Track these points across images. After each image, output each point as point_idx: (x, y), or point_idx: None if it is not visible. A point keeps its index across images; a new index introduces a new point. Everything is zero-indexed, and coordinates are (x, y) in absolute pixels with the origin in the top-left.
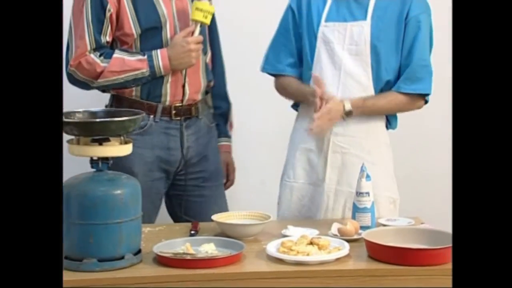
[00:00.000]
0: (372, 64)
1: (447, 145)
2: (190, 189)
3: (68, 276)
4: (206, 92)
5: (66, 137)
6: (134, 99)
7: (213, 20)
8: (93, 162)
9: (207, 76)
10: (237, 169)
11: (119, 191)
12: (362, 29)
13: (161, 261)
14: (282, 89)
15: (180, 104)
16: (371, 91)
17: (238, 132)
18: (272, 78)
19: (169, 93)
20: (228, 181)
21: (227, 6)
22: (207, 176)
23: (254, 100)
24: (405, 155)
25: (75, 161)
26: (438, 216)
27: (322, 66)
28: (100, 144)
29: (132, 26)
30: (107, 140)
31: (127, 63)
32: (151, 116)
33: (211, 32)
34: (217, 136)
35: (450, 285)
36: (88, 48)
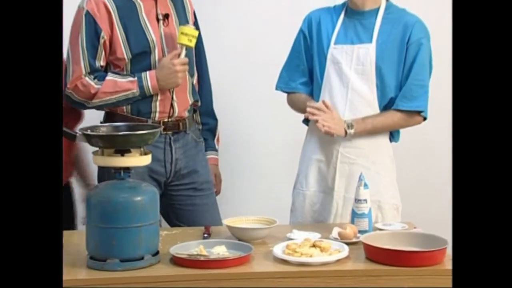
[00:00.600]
0: (377, 83)
1: (446, 157)
2: (182, 198)
3: (93, 275)
4: (194, 110)
5: (91, 148)
6: (125, 115)
7: (200, 43)
8: (116, 171)
9: (194, 95)
10: (248, 177)
11: (139, 198)
12: (367, 51)
13: (177, 261)
14: (292, 104)
15: (168, 120)
16: (375, 107)
17: (248, 143)
18: (283, 95)
19: (158, 110)
20: (215, 191)
21: (242, 22)
22: (198, 186)
23: (265, 114)
24: (407, 166)
25: None
26: (435, 220)
27: (332, 84)
28: (122, 155)
29: (123, 51)
30: (129, 151)
31: (119, 84)
32: None
33: (198, 55)
34: (205, 150)
35: (441, 284)
36: (83, 72)
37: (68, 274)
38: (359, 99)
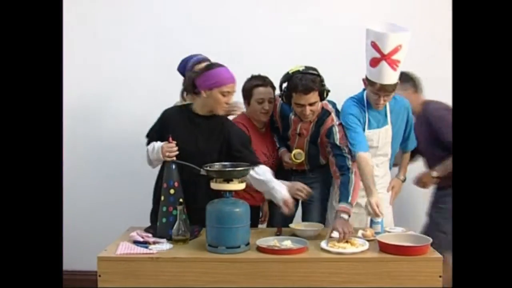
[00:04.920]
0: (391, 144)
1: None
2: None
3: (210, 255)
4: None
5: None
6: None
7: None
8: (224, 192)
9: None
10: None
11: (237, 209)
12: (387, 130)
13: (261, 249)
14: (360, 163)
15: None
16: (389, 155)
17: None
18: None
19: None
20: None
21: None
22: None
23: None
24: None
25: (78, 172)
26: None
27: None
28: (228, 182)
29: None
30: (231, 180)
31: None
32: None
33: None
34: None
35: (426, 266)
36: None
37: (195, 254)
38: (383, 153)
